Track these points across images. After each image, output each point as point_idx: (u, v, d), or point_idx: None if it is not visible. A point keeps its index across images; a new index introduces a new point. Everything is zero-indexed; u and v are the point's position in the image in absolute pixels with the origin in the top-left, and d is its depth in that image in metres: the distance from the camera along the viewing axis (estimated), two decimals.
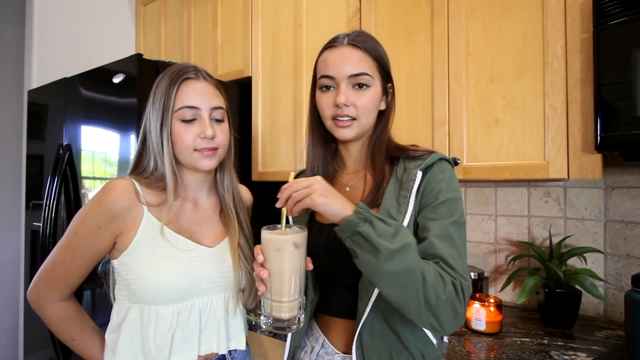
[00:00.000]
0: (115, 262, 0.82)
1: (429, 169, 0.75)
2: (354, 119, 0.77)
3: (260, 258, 0.68)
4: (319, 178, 0.68)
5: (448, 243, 0.67)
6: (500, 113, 1.17)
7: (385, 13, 1.40)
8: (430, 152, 0.77)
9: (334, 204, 0.65)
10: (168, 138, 0.83)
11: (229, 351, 0.89)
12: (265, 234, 0.69)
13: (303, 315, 0.70)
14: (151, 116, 0.84)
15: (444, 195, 0.71)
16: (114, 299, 0.88)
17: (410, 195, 0.72)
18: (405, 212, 0.72)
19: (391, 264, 0.60)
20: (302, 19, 1.63)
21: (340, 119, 0.77)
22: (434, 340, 0.76)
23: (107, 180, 1.59)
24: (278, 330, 0.68)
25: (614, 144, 0.96)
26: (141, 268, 0.79)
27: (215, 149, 0.85)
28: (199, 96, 0.83)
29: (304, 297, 0.71)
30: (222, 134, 0.86)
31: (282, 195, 0.68)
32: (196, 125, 0.83)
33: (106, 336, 0.85)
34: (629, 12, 0.93)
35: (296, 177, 0.97)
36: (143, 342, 0.80)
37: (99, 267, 0.91)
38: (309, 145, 0.87)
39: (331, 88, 0.78)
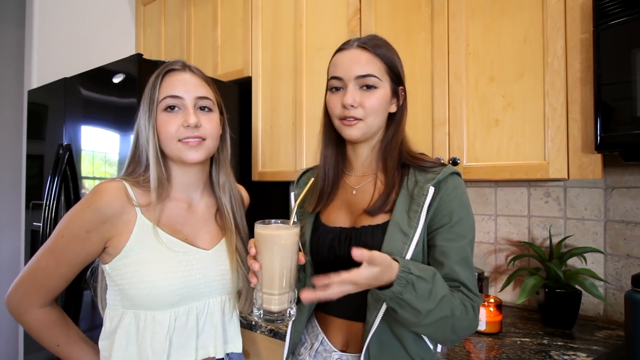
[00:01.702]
0: (106, 267, 0.79)
1: (442, 185, 0.75)
2: (360, 119, 0.78)
3: (252, 251, 0.69)
4: (361, 278, 0.60)
5: (466, 266, 0.73)
6: (500, 113, 1.17)
7: (385, 13, 1.40)
8: (440, 164, 0.79)
9: (377, 284, 0.63)
10: (154, 130, 0.81)
11: (226, 354, 0.88)
12: (259, 228, 0.70)
13: (294, 309, 0.71)
14: (141, 113, 0.83)
15: (457, 215, 0.74)
16: (102, 305, 0.86)
17: (421, 210, 0.73)
18: (416, 227, 0.73)
19: (429, 319, 0.65)
20: (302, 19, 1.63)
21: (346, 120, 0.78)
22: (431, 346, 0.78)
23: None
24: (268, 323, 0.70)
25: (614, 144, 0.96)
26: (137, 272, 0.76)
27: (201, 139, 0.82)
28: (182, 86, 0.82)
29: (296, 291, 0.72)
30: (209, 124, 0.83)
31: (331, 285, 0.61)
32: (180, 115, 0.81)
33: (99, 343, 0.82)
34: (629, 12, 0.93)
35: (303, 174, 0.97)
36: (139, 348, 0.77)
37: (87, 272, 0.88)
38: (322, 146, 0.88)
39: (340, 89, 0.79)
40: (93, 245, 0.77)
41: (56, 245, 0.77)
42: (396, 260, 0.64)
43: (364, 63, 0.77)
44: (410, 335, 0.74)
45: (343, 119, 0.78)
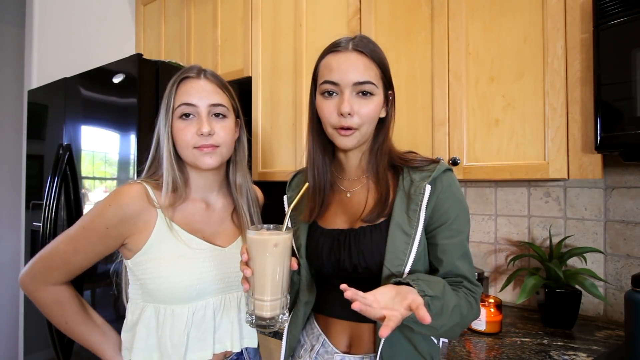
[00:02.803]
0: (129, 263, 0.83)
1: (437, 182, 0.75)
2: (356, 129, 0.75)
3: (244, 257, 0.69)
4: (395, 316, 0.56)
5: (466, 260, 0.76)
6: (500, 113, 1.17)
7: (385, 13, 1.40)
8: (431, 161, 0.78)
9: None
10: (168, 136, 0.84)
11: (244, 348, 0.91)
12: (250, 234, 0.70)
13: (286, 315, 0.72)
14: (160, 118, 0.86)
15: (454, 212, 0.75)
16: (127, 299, 0.88)
17: (420, 209, 0.74)
18: (417, 227, 0.73)
19: (443, 329, 0.68)
20: (302, 19, 1.63)
21: (343, 129, 0.75)
22: (435, 341, 0.79)
23: (108, 181, 1.61)
24: (260, 328, 0.70)
25: (614, 144, 0.96)
26: (157, 268, 0.80)
27: (214, 146, 0.84)
28: (196, 93, 0.84)
29: (288, 298, 0.73)
30: (223, 132, 0.85)
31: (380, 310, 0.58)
32: (194, 123, 0.84)
33: (122, 335, 0.86)
34: (629, 12, 0.93)
35: (295, 176, 0.97)
36: (159, 340, 0.81)
37: (111, 268, 0.93)
38: (309, 150, 0.85)
39: (334, 94, 0.76)
40: (111, 240, 0.82)
41: (77, 234, 0.82)
42: (401, 283, 0.64)
43: (362, 69, 0.74)
44: (419, 335, 0.74)
45: (339, 128, 0.75)
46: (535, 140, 1.12)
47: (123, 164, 1.53)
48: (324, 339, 0.82)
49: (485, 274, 1.49)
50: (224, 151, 0.87)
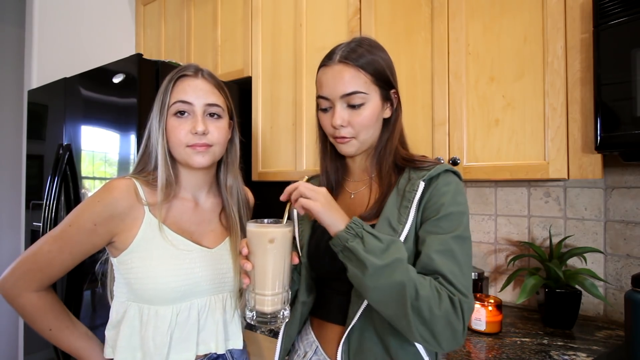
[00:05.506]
0: (115, 260, 0.82)
1: (434, 181, 0.73)
2: (352, 137, 0.77)
3: (244, 251, 0.69)
4: (324, 190, 0.70)
5: (448, 258, 0.66)
6: (500, 113, 1.17)
7: (385, 13, 1.40)
8: (436, 163, 0.76)
9: (331, 216, 0.68)
10: (163, 133, 0.84)
11: (228, 350, 0.90)
12: (251, 227, 0.69)
13: (288, 311, 0.71)
14: (153, 115, 0.86)
15: (446, 209, 0.69)
16: (111, 296, 0.88)
17: (411, 206, 0.72)
18: (405, 223, 0.71)
19: (377, 280, 0.62)
20: (302, 19, 1.63)
21: (339, 138, 0.78)
22: (426, 358, 0.72)
23: (107, 181, 1.60)
24: (262, 324, 0.69)
25: (614, 144, 0.96)
26: (142, 268, 0.79)
27: (208, 145, 0.84)
28: (193, 92, 0.84)
29: (289, 292, 0.72)
30: (216, 131, 0.85)
31: (289, 190, 0.71)
32: (189, 121, 0.83)
33: (106, 333, 0.85)
34: (629, 12, 0.93)
35: (308, 181, 0.96)
36: (142, 340, 0.80)
37: (97, 266, 0.91)
38: (320, 157, 0.88)
39: (328, 109, 0.79)
40: (99, 237, 0.80)
41: (63, 233, 0.80)
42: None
43: (347, 80, 0.74)
44: (397, 339, 0.70)
45: (335, 137, 0.79)
46: (535, 140, 1.12)
47: (123, 164, 1.53)
48: (317, 346, 0.81)
49: (485, 274, 1.49)
50: (217, 151, 0.87)
